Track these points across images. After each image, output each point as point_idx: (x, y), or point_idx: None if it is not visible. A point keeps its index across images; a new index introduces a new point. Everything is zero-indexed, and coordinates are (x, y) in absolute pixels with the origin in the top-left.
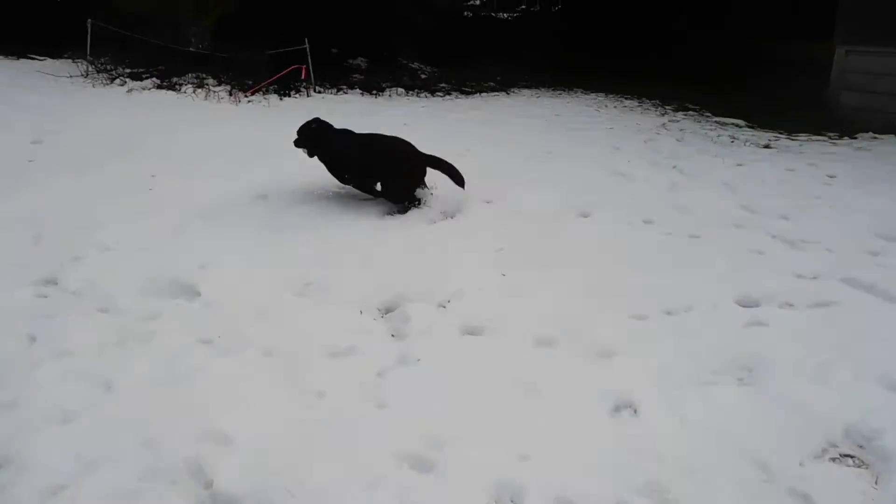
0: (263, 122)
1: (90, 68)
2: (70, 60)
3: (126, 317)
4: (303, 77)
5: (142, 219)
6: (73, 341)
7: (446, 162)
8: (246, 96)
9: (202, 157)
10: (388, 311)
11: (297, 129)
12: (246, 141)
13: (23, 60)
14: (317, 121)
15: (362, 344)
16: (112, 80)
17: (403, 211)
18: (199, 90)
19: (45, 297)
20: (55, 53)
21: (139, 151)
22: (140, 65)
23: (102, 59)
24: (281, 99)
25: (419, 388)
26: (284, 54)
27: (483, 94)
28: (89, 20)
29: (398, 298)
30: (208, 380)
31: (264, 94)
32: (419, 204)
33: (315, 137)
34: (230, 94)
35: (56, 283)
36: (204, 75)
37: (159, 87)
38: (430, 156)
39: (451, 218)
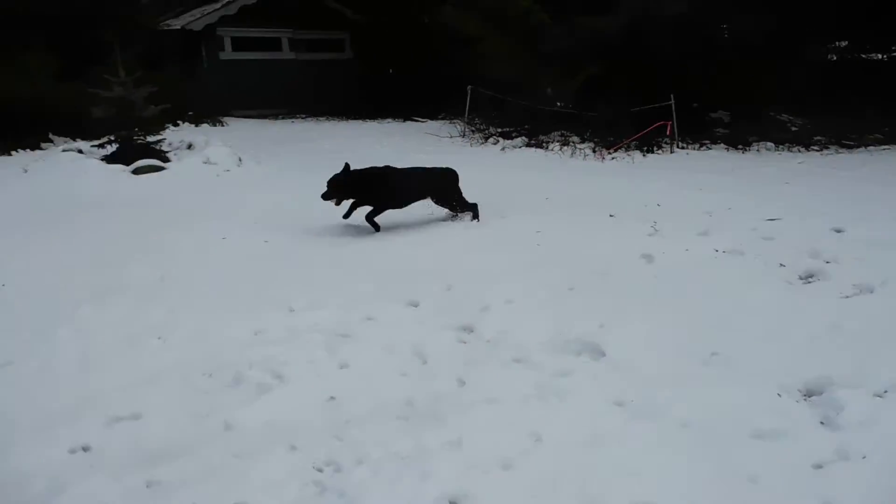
0: (632, 178)
1: (467, 129)
2: (446, 121)
3: (541, 371)
4: (667, 133)
5: (535, 273)
6: (497, 389)
7: None
8: (609, 153)
9: (579, 211)
10: (810, 393)
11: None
12: (620, 196)
13: (408, 122)
14: (347, 166)
15: (788, 428)
16: (486, 139)
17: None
18: (565, 147)
19: (465, 342)
20: (432, 115)
21: (525, 205)
22: (510, 124)
23: (477, 121)
24: (644, 155)
25: (870, 489)
26: (647, 110)
27: (870, 148)
28: (469, 86)
29: (820, 381)
30: (627, 445)
31: (627, 150)
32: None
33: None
34: (594, 151)
35: (472, 331)
36: (568, 133)
37: (528, 145)
38: None
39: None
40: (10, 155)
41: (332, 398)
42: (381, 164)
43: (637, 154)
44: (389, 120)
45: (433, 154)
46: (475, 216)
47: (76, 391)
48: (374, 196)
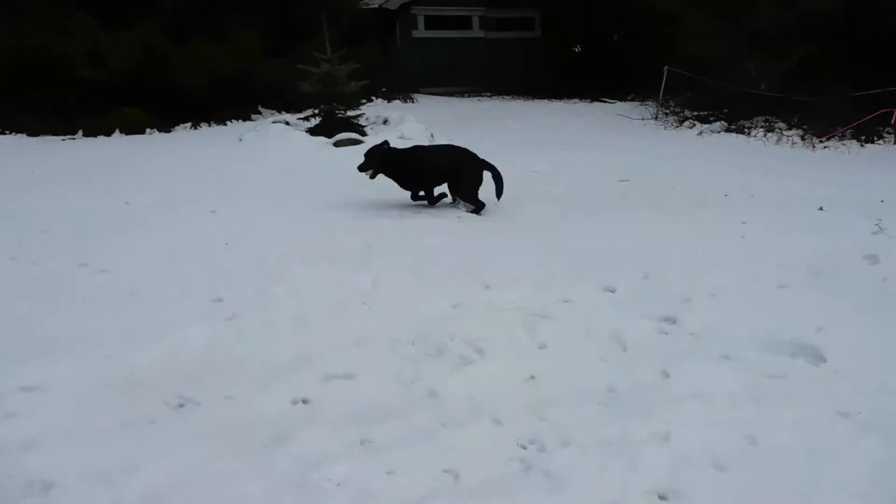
0: (847, 170)
1: (660, 111)
2: (637, 103)
3: (752, 370)
4: (893, 122)
5: (739, 266)
6: (704, 385)
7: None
8: (821, 141)
9: (785, 204)
10: None
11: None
12: (833, 189)
13: (596, 104)
14: (386, 143)
15: None
16: (681, 122)
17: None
18: (770, 134)
19: (666, 333)
20: (621, 96)
21: (723, 197)
22: (706, 107)
23: (671, 103)
24: (862, 146)
25: None
26: (863, 97)
27: None
28: (666, 66)
29: None
30: (857, 462)
31: (841, 139)
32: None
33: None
34: (802, 139)
35: (674, 322)
36: (774, 119)
37: (727, 130)
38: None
39: None
40: (225, 125)
41: (532, 377)
42: (565, 143)
43: (853, 144)
44: (576, 100)
45: (623, 136)
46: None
47: (293, 347)
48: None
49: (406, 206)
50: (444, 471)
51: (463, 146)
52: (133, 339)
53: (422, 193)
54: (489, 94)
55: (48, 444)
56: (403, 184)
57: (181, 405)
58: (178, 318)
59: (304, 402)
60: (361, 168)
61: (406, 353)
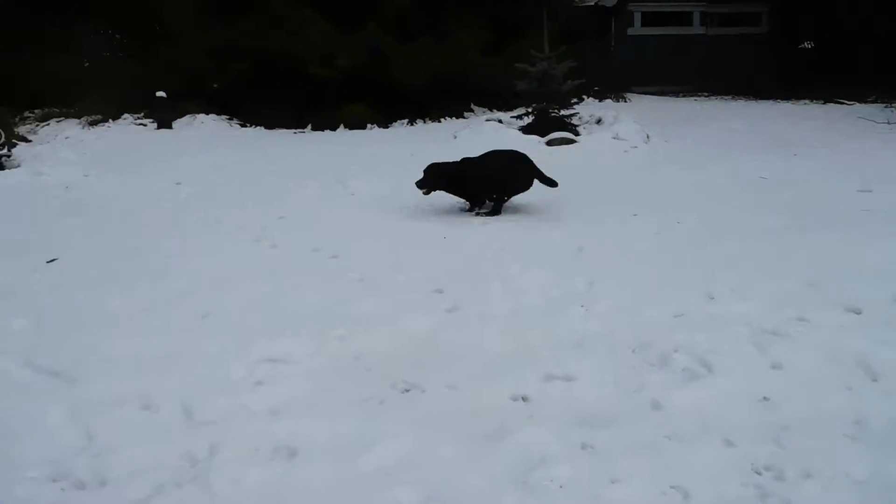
0: None
1: None
2: (883, 105)
3: None
4: None
5: None
6: None
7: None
8: None
9: None
10: None
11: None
12: None
13: (830, 105)
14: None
15: None
16: None
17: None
18: None
19: None
20: (860, 97)
21: None
22: None
23: None
24: None
25: None
26: None
27: None
28: None
29: None
30: None
31: None
32: None
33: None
34: None
35: None
36: None
37: None
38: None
39: None
40: (439, 122)
41: (766, 399)
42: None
43: None
44: (806, 101)
45: (862, 141)
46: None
47: (511, 343)
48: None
49: (618, 208)
50: (672, 487)
51: (516, 150)
52: (361, 322)
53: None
54: (706, 94)
55: (292, 413)
56: (465, 196)
57: (407, 390)
58: (403, 305)
59: (524, 399)
60: (419, 184)
61: (627, 360)
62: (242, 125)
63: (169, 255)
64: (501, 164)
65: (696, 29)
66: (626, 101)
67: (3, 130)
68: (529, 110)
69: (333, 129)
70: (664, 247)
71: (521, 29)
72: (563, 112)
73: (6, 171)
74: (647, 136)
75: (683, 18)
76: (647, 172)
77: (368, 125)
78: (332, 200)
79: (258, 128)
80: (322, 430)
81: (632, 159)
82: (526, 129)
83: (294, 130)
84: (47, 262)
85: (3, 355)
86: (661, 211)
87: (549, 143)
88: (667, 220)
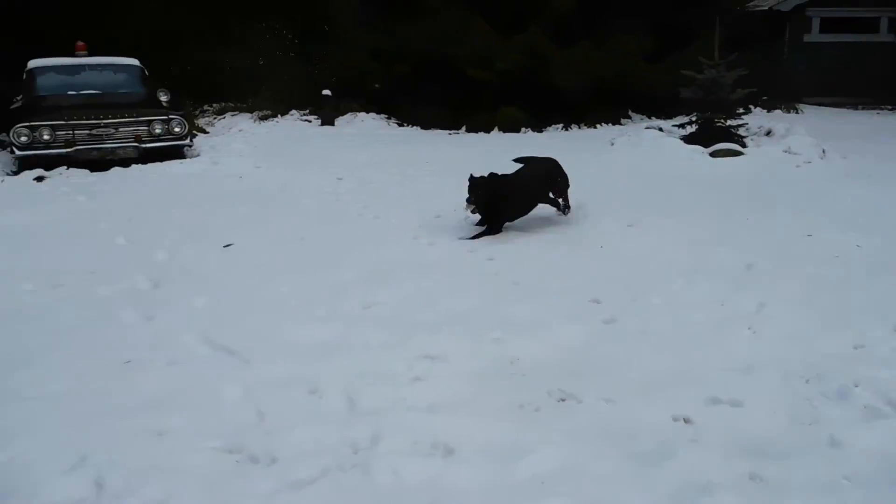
0: None
1: None
2: None
3: None
4: None
5: None
6: None
7: None
8: None
9: None
10: None
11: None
12: None
13: None
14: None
15: None
16: None
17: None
18: None
19: None
20: None
21: None
22: None
23: None
24: None
25: None
26: None
27: None
28: None
29: None
30: None
31: None
32: None
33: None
34: None
35: None
36: None
37: None
38: None
39: None
40: (594, 127)
41: None
42: None
43: None
44: None
45: None
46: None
47: (673, 361)
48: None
49: (789, 227)
50: None
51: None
52: (516, 327)
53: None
54: (889, 108)
55: (449, 411)
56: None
57: (563, 399)
58: (558, 313)
59: (686, 420)
60: (469, 202)
61: (801, 391)
62: (400, 124)
63: (331, 246)
64: (547, 166)
65: (884, 36)
66: (797, 113)
67: (188, 123)
68: (693, 119)
69: (487, 131)
70: (842, 271)
71: (687, 35)
72: (729, 122)
73: (188, 159)
74: (823, 151)
75: (869, 25)
76: (823, 190)
77: (522, 128)
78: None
79: (414, 127)
80: (478, 431)
81: (805, 175)
82: (688, 139)
83: (449, 131)
84: (224, 246)
85: (186, 331)
86: (838, 232)
87: (712, 155)
88: (845, 243)
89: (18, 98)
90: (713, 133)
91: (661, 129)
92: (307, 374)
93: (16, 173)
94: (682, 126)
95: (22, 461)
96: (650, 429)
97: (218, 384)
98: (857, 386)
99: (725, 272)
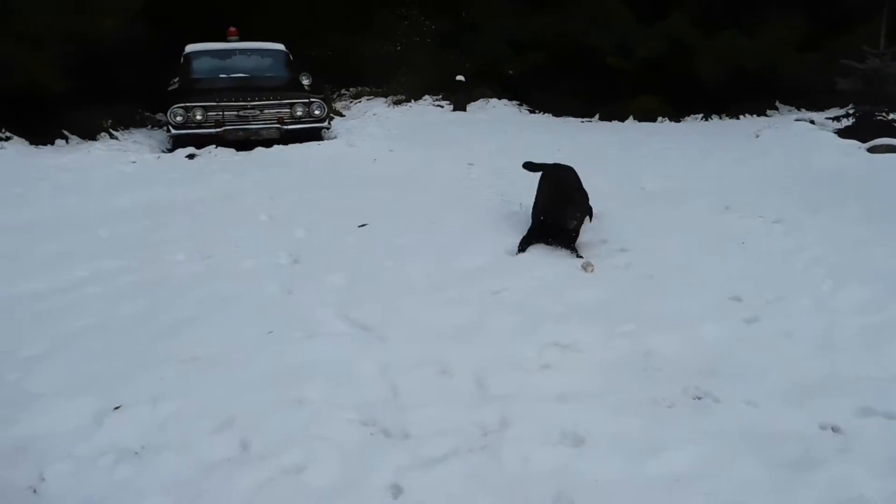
0: None
1: None
2: None
3: None
4: None
5: None
6: None
7: None
8: None
9: None
10: None
11: None
12: None
13: None
14: None
15: None
16: None
17: None
18: None
19: None
20: None
21: None
22: None
23: None
24: None
25: None
26: None
27: None
28: None
29: None
30: None
31: None
32: None
33: None
34: None
35: None
36: None
37: None
38: None
39: None
40: (737, 119)
41: None
42: None
43: None
44: None
45: None
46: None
47: (820, 366)
48: None
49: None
50: None
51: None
52: (650, 321)
53: None
54: None
55: (579, 401)
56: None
57: (699, 398)
58: (695, 309)
59: (835, 429)
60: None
61: None
62: (531, 111)
63: (461, 231)
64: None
65: None
66: None
67: (327, 106)
68: (850, 112)
69: (622, 119)
70: None
71: (847, 21)
72: (892, 116)
73: (326, 141)
74: None
75: None
76: None
77: (659, 118)
78: (621, 195)
79: (546, 114)
80: (609, 423)
81: None
82: (843, 133)
83: (581, 119)
84: (359, 226)
85: (323, 306)
86: None
87: (870, 150)
88: None
89: (175, 80)
90: (872, 127)
91: (812, 122)
92: (438, 355)
93: (170, 150)
94: (836, 119)
95: (176, 419)
96: (794, 435)
97: (353, 359)
98: None
99: (884, 276)
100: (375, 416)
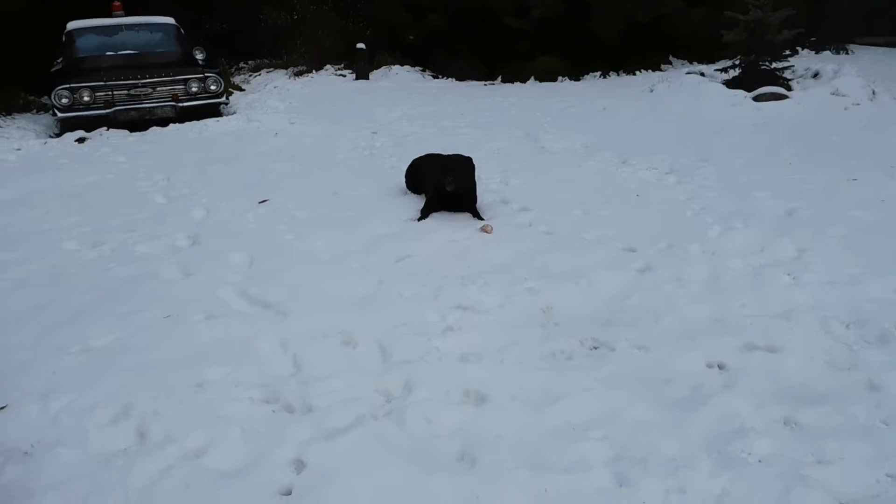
0: None
1: None
2: None
3: None
4: None
5: None
6: None
7: None
8: None
9: None
10: None
11: None
12: None
13: None
14: None
15: None
16: None
17: None
18: None
19: None
20: None
21: None
22: None
23: None
24: None
25: None
26: None
27: None
28: None
29: None
30: None
31: None
32: None
33: None
34: None
35: None
36: None
37: None
38: None
39: None
40: (633, 74)
41: None
42: None
43: None
44: None
45: None
46: None
47: (708, 308)
48: None
49: (833, 171)
50: (888, 475)
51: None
52: (550, 277)
53: None
54: None
55: (482, 360)
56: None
57: (595, 347)
58: (593, 262)
59: (721, 367)
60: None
61: (840, 335)
62: (434, 76)
63: (365, 201)
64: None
65: None
66: (847, 54)
67: (223, 80)
68: (736, 63)
69: (524, 81)
70: (888, 215)
71: None
72: (774, 65)
73: (225, 117)
74: (873, 93)
75: None
76: (871, 133)
77: (559, 77)
78: (523, 154)
79: (449, 79)
80: (511, 379)
81: (853, 118)
82: (731, 83)
83: (484, 82)
84: (259, 202)
85: (223, 286)
86: (885, 176)
87: (756, 99)
88: (892, 187)
89: (59, 60)
90: (757, 76)
91: (702, 74)
92: (342, 326)
93: (58, 135)
94: (724, 70)
95: (69, 413)
96: (684, 375)
97: (255, 337)
98: None
99: (765, 218)
100: (278, 392)
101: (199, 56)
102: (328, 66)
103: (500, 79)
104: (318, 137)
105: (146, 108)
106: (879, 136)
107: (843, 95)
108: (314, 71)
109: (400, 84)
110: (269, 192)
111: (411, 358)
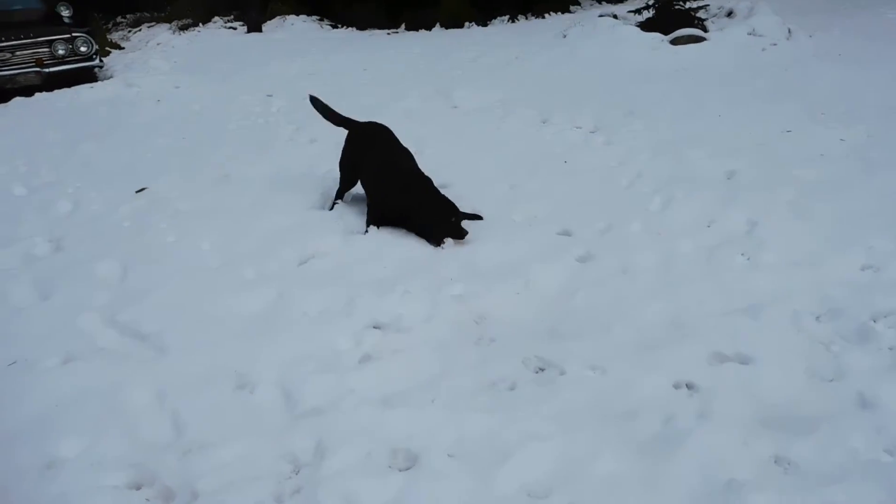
0: None
1: None
2: None
3: None
4: None
5: None
6: None
7: None
8: None
9: None
10: None
11: None
12: None
13: None
14: None
15: None
16: None
17: None
18: None
19: None
20: None
21: None
22: None
23: None
24: None
25: None
26: None
27: None
28: None
29: None
30: None
31: None
32: None
33: None
34: None
35: None
36: None
37: None
38: None
39: None
40: (543, 17)
41: None
42: None
43: None
44: None
45: None
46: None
47: (663, 306)
48: None
49: (764, 122)
50: None
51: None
52: (479, 275)
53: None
54: None
55: (408, 402)
56: None
57: (542, 369)
58: (525, 252)
59: (689, 387)
60: None
61: (814, 334)
62: (333, 26)
63: (261, 183)
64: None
65: None
66: None
67: (96, 39)
68: (650, 3)
69: (429, 28)
70: (832, 171)
71: None
72: (688, 5)
73: (100, 82)
74: (789, 31)
75: None
76: (793, 75)
77: (466, 24)
78: (435, 116)
79: (350, 29)
80: (445, 427)
81: (772, 59)
82: (646, 26)
83: (388, 31)
84: (136, 191)
85: (87, 311)
86: (817, 124)
87: (673, 42)
88: (828, 137)
89: None
90: (672, 18)
91: (615, 17)
92: (234, 362)
93: None
94: (637, 12)
95: None
96: (651, 403)
97: (124, 386)
98: (875, 322)
99: (705, 183)
100: (153, 471)
101: (65, 13)
102: (216, 18)
103: (403, 26)
104: (206, 104)
105: (6, 75)
106: (802, 79)
107: (760, 35)
108: (201, 24)
109: (296, 35)
110: (148, 176)
111: (322, 405)
